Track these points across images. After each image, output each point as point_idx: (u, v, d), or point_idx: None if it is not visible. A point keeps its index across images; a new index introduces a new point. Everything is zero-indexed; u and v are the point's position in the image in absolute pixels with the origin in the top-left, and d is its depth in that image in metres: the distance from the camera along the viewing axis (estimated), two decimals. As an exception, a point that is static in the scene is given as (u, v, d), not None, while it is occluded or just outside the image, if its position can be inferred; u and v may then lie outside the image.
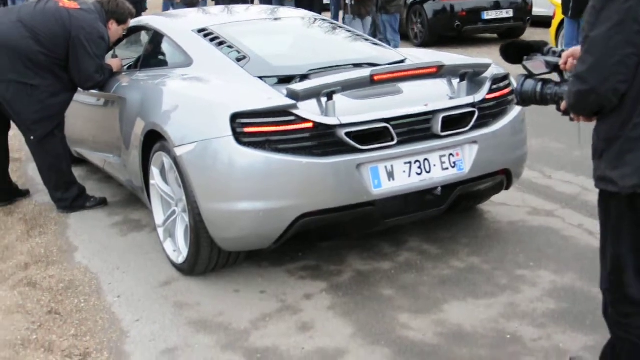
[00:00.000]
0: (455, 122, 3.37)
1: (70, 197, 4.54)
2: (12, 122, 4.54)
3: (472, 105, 3.41)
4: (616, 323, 2.11)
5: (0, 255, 3.94)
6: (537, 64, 2.18)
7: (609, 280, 2.08)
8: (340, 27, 4.79)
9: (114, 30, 4.53)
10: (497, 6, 10.97)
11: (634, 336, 2.07)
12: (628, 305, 2.05)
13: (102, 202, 4.66)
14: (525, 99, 2.19)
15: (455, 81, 3.50)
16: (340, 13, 9.93)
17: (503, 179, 3.65)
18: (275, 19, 4.76)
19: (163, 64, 4.33)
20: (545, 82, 2.17)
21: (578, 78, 1.89)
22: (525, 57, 2.24)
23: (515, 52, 2.31)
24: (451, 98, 3.45)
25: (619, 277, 2.04)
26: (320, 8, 10.65)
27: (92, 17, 4.34)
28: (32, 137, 4.36)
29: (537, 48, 2.27)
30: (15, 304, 3.32)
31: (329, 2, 11.84)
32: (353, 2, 8.29)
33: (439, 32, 11.18)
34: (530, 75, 2.19)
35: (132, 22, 4.70)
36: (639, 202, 1.92)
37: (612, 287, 2.08)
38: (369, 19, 8.57)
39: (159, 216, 3.73)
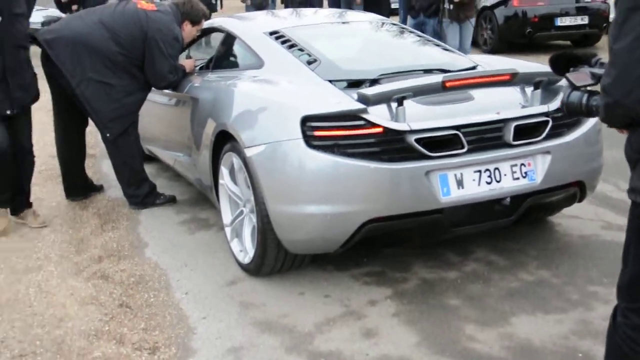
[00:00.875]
0: (528, 131, 3.30)
1: (141, 194, 4.66)
2: (89, 120, 4.70)
3: (546, 114, 3.33)
4: (622, 334, 2.03)
5: (76, 247, 4.07)
6: (580, 76, 2.14)
7: (628, 288, 2.02)
8: (410, 31, 4.76)
9: (188, 31, 4.63)
10: (571, 12, 10.62)
11: (632, 351, 2.00)
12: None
13: (171, 200, 4.77)
14: (571, 110, 2.16)
15: (529, 89, 3.43)
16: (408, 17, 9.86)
17: (576, 191, 3.55)
18: (344, 23, 4.77)
19: (234, 65, 4.40)
20: (592, 93, 2.13)
21: (604, 91, 1.87)
22: (571, 69, 2.20)
23: (564, 63, 2.26)
24: (524, 106, 3.38)
25: (637, 292, 1.98)
26: (388, 11, 10.61)
27: (168, 19, 4.45)
28: (108, 135, 4.50)
29: (585, 59, 2.23)
30: (89, 296, 3.43)
31: (397, 7, 11.80)
32: (451, 7, 8.15)
33: (509, 38, 10.93)
34: (576, 86, 2.15)
35: (205, 24, 4.79)
36: None
37: (630, 297, 2.01)
38: (467, 24, 8.41)
39: (226, 216, 3.79)
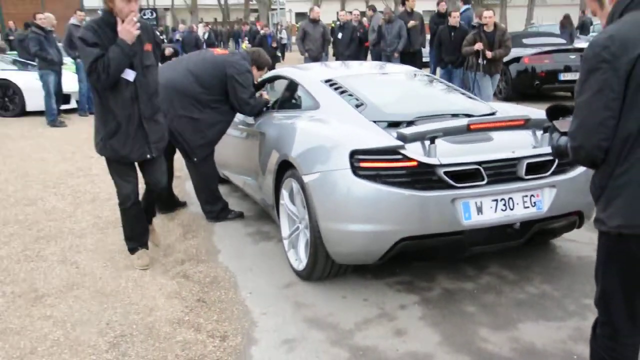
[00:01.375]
0: (537, 167, 3.27)
1: (216, 210, 4.72)
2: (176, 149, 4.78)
3: (553, 154, 3.29)
4: (601, 343, 2.00)
5: (164, 251, 4.13)
6: (564, 123, 2.12)
7: (599, 304, 2.00)
8: (440, 81, 4.76)
9: (254, 74, 4.71)
10: (573, 69, 10.50)
11: (610, 357, 1.96)
12: (613, 330, 1.96)
13: (240, 215, 4.81)
14: (559, 153, 2.14)
15: (539, 133, 3.39)
16: (438, 70, 9.85)
17: (576, 219, 3.48)
18: (385, 73, 4.79)
19: (295, 106, 4.43)
20: None
21: (570, 136, 1.89)
22: (560, 117, 2.18)
23: (556, 112, 2.25)
24: (535, 147, 3.34)
25: (606, 307, 1.97)
26: (420, 64, 10.61)
27: (239, 58, 4.58)
28: (195, 159, 4.58)
29: (573, 110, 2.23)
30: (173, 291, 3.48)
31: (427, 60, 11.79)
32: (485, 62, 8.24)
33: (520, 89, 10.82)
34: (562, 132, 2.14)
35: (272, 73, 4.87)
36: (627, 244, 1.85)
37: (602, 310, 2.00)
38: (496, 77, 8.47)
39: (285, 230, 3.80)
